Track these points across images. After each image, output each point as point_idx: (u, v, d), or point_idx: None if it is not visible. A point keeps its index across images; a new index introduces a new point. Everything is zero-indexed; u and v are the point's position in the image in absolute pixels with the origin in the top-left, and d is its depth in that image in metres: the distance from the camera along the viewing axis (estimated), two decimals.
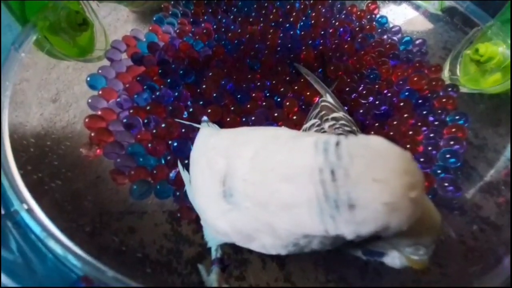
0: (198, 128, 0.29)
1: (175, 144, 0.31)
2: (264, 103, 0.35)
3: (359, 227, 0.13)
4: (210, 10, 0.46)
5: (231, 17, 0.45)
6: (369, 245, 0.19)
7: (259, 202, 0.15)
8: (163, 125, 0.32)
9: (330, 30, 0.43)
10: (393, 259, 0.19)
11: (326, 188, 0.13)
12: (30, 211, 0.23)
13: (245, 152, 0.17)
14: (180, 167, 0.28)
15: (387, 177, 0.12)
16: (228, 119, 0.33)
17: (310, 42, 0.41)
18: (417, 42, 0.42)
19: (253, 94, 0.36)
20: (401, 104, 0.35)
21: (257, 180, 0.16)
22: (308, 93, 0.35)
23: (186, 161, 0.28)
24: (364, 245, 0.19)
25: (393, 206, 0.12)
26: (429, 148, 0.33)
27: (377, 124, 0.34)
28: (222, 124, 0.32)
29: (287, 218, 0.14)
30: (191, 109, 0.34)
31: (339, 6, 0.47)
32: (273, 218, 0.15)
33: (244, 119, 0.34)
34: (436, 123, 0.34)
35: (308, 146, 0.14)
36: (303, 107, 0.35)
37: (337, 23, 0.44)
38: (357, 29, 0.44)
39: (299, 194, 0.13)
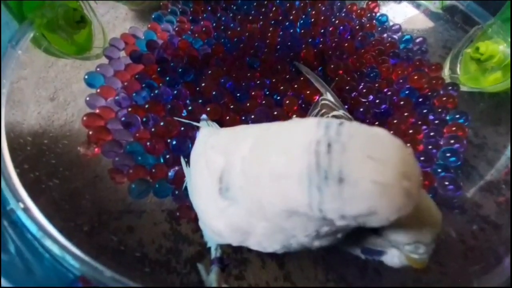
0: (198, 127, 0.29)
1: (174, 142, 0.31)
2: (263, 102, 0.35)
3: (344, 205, 0.12)
4: (209, 8, 0.46)
5: (231, 15, 0.45)
6: (367, 243, 0.19)
7: (253, 175, 0.15)
8: (162, 124, 0.32)
9: (330, 29, 0.43)
10: (393, 258, 0.19)
11: (319, 158, 0.12)
12: (26, 210, 0.22)
13: (245, 145, 0.16)
14: (183, 163, 0.27)
15: (384, 158, 0.12)
16: (227, 118, 0.33)
17: (310, 40, 0.41)
18: (417, 40, 0.42)
19: (253, 93, 0.35)
20: (401, 102, 0.35)
21: (255, 156, 0.15)
22: (308, 92, 0.35)
23: (186, 160, 0.28)
24: (362, 243, 0.19)
25: (383, 188, 0.12)
26: (429, 147, 0.33)
27: (377, 123, 0.34)
28: (221, 123, 0.32)
29: (275, 190, 0.14)
30: (190, 108, 0.34)
31: (339, 4, 0.47)
32: (263, 191, 0.15)
33: (243, 118, 0.33)
34: (436, 121, 0.34)
35: (310, 124, 0.14)
36: (303, 105, 0.35)
37: (337, 22, 0.44)
38: (357, 27, 0.44)
39: (292, 165, 0.13)
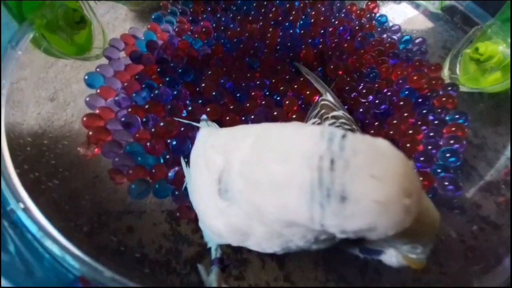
0: (197, 127, 0.29)
1: (174, 143, 0.31)
2: (263, 102, 0.35)
3: (346, 222, 0.13)
4: (209, 9, 0.46)
5: (230, 15, 0.45)
6: (366, 243, 0.19)
7: (252, 181, 0.15)
8: (161, 124, 0.32)
9: (330, 29, 0.43)
10: (391, 257, 0.19)
11: (322, 175, 0.12)
12: (26, 210, 0.22)
13: (244, 143, 0.16)
14: (183, 163, 0.27)
15: (386, 176, 0.12)
16: (227, 118, 0.33)
17: (309, 41, 0.41)
18: (417, 41, 0.42)
19: (253, 93, 0.35)
20: (401, 103, 0.35)
21: (254, 159, 0.15)
22: (307, 92, 0.35)
23: (186, 160, 0.28)
24: (360, 242, 0.19)
25: (384, 206, 0.12)
26: (429, 147, 0.33)
27: (377, 123, 0.34)
28: (221, 123, 0.32)
29: (275, 200, 0.14)
30: (190, 108, 0.34)
31: (338, 5, 0.47)
32: (262, 199, 0.14)
33: (243, 118, 0.33)
34: (436, 122, 0.34)
35: (313, 132, 0.14)
36: (303, 106, 0.35)
37: (336, 22, 0.44)
38: (356, 28, 0.44)
39: (293, 176, 0.13)
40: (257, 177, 0.15)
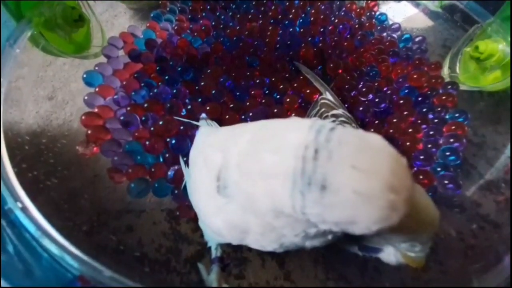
0: (197, 126, 0.29)
1: (173, 141, 0.31)
2: (263, 101, 0.35)
3: (325, 211, 0.13)
4: (208, 7, 0.45)
5: (230, 13, 0.45)
6: (364, 241, 0.19)
7: (246, 170, 0.15)
8: (161, 123, 0.32)
9: (330, 28, 0.43)
10: (389, 255, 0.19)
11: (305, 164, 0.13)
12: (25, 209, 0.22)
13: (242, 140, 0.17)
14: (182, 162, 0.27)
15: (369, 168, 0.12)
16: (227, 117, 0.33)
17: (309, 39, 0.41)
18: (417, 39, 0.42)
19: (252, 92, 0.35)
20: (401, 101, 0.35)
21: (250, 151, 0.16)
22: (307, 91, 0.35)
23: (185, 159, 0.28)
24: (360, 240, 0.19)
25: (365, 198, 0.12)
26: (429, 146, 0.33)
27: (377, 122, 0.34)
28: (221, 122, 0.31)
29: (264, 188, 0.14)
30: (189, 107, 0.33)
31: (338, 3, 0.47)
32: (253, 188, 0.15)
33: (243, 117, 0.33)
34: (436, 120, 0.34)
35: (304, 125, 0.14)
36: (303, 104, 0.35)
37: (336, 20, 0.43)
38: (356, 26, 0.43)
39: (280, 165, 0.13)
40: (250, 167, 0.15)
